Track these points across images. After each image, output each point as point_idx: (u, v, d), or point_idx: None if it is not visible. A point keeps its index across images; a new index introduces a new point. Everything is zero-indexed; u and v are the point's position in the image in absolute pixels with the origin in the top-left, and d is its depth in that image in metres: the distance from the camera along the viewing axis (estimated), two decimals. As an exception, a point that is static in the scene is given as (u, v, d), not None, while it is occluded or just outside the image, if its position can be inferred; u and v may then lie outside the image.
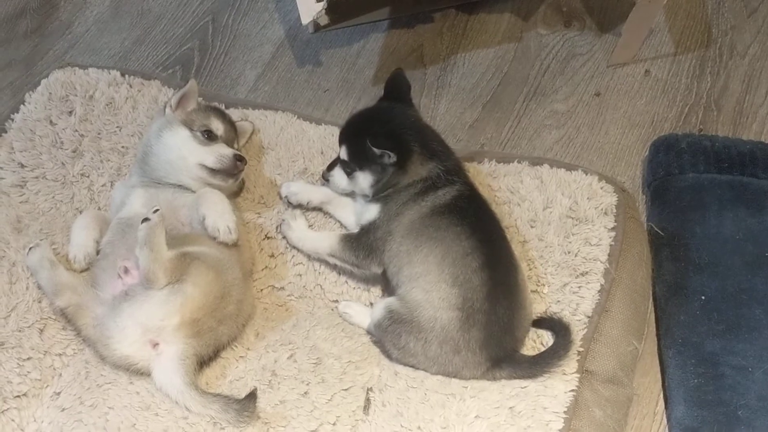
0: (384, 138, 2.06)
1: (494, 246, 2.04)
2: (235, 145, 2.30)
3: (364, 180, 2.13)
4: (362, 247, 2.13)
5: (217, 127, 2.24)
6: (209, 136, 2.22)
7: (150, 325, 1.94)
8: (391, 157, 2.06)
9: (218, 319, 2.01)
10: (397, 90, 2.21)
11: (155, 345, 1.95)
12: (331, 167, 2.21)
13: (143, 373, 1.99)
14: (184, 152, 2.20)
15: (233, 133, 2.31)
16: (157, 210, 1.96)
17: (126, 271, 2.02)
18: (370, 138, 2.05)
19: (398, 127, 2.12)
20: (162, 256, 1.94)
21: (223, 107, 2.45)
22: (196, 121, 2.23)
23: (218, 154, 2.20)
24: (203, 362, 2.03)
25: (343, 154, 2.14)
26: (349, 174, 2.15)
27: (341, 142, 2.17)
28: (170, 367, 1.94)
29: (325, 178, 2.24)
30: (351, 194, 2.25)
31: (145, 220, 1.94)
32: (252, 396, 1.94)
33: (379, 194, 2.13)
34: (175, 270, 1.95)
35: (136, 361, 1.97)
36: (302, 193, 2.31)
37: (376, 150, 2.05)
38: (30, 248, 2.16)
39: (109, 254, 2.09)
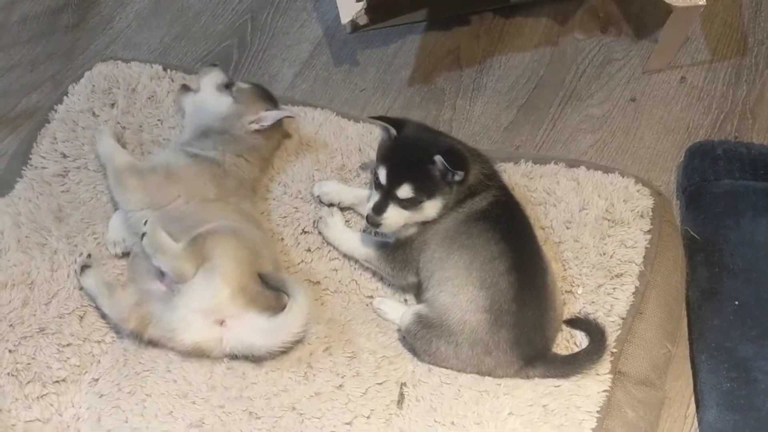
0: (456, 157, 2.02)
1: (523, 249, 2.05)
2: None
3: (433, 208, 2.05)
4: (398, 260, 2.15)
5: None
6: None
7: (207, 307, 1.97)
8: (458, 174, 2.02)
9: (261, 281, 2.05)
10: (393, 119, 2.14)
11: (222, 322, 1.99)
12: (379, 210, 2.04)
13: (211, 355, 2.03)
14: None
15: None
16: (145, 222, 2.03)
17: (163, 273, 2.04)
18: (447, 161, 1.98)
19: (449, 142, 2.12)
20: (175, 251, 1.99)
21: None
22: None
23: None
24: None
25: (405, 192, 2.01)
26: (414, 208, 2.04)
27: (399, 181, 2.02)
28: (247, 325, 1.99)
29: (375, 223, 2.06)
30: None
31: (143, 235, 2.01)
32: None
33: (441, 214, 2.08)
34: (195, 255, 1.99)
35: (204, 343, 2.00)
36: (334, 193, 2.32)
37: (451, 171, 2.00)
38: (82, 267, 2.15)
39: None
